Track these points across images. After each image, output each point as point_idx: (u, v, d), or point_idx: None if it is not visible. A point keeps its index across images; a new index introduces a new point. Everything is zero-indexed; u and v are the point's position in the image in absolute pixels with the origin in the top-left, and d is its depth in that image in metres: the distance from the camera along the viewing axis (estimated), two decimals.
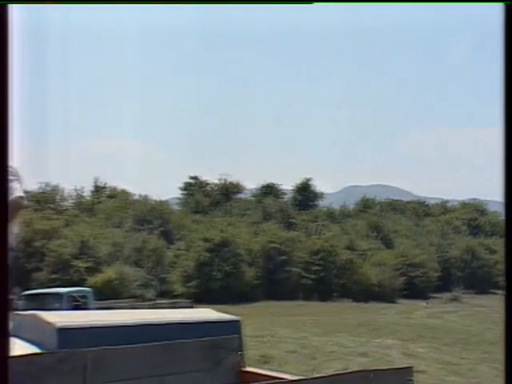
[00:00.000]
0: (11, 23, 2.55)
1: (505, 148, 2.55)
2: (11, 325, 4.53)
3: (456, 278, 61.41)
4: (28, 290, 25.57)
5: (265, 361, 17.56)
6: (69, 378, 6.75)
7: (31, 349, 7.61)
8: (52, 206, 56.02)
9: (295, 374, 9.79)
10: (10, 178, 6.48)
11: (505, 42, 2.57)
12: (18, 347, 6.66)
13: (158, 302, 34.61)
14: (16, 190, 6.92)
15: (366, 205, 79.69)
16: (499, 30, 2.67)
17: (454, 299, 49.78)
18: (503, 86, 2.57)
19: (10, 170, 6.03)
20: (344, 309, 39.98)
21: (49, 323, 8.42)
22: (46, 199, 58.63)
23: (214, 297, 37.89)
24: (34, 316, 8.45)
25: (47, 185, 61.34)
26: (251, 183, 79.28)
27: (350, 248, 55.28)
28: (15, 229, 7.05)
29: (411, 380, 4.42)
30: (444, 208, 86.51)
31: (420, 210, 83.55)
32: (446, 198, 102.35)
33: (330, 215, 73.20)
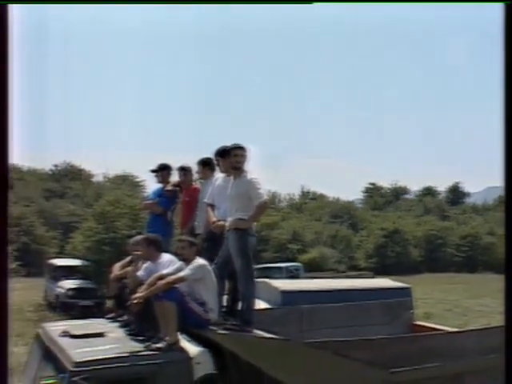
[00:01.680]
0: (11, 23, 2.86)
1: (505, 148, 2.97)
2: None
3: None
4: (259, 264, 30.02)
5: (428, 317, 20.93)
6: (289, 325, 9.75)
7: (264, 305, 10.07)
8: (272, 206, 63.35)
9: (452, 327, 12.46)
10: (257, 186, 8.44)
11: (505, 42, 2.84)
12: (257, 304, 8.75)
13: (348, 273, 40.60)
14: (263, 196, 8.59)
15: (502, 200, 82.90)
16: (499, 30, 3.07)
17: None
18: (503, 86, 2.89)
19: (256, 179, 8.48)
20: (487, 279, 44.81)
21: (275, 288, 10.96)
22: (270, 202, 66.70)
23: (388, 270, 43.40)
24: (265, 283, 10.86)
25: (269, 191, 68.92)
26: (414, 186, 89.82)
27: (491, 233, 66.58)
28: (254, 224, 8.81)
29: None
30: None
31: None
32: None
33: (475, 209, 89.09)
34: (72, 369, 7.33)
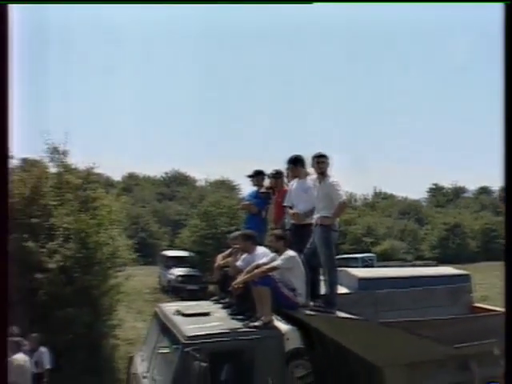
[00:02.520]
0: (11, 23, 2.60)
1: (505, 148, 2.76)
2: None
3: None
4: (339, 255, 30.52)
5: (484, 299, 19.88)
6: (366, 308, 9.75)
7: (344, 290, 9.96)
8: (350, 205, 63.25)
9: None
10: (338, 188, 8.67)
11: (505, 42, 2.57)
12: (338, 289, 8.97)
13: (414, 263, 40.09)
14: (342, 196, 8.82)
15: None
16: (499, 30, 2.78)
17: None
18: (503, 86, 2.61)
19: (336, 182, 8.86)
20: None
21: (353, 275, 10.85)
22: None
23: (449, 259, 42.37)
24: (345, 271, 10.65)
25: (347, 192, 69.43)
26: (472, 186, 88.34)
27: None
28: (337, 221, 8.97)
29: None
30: None
31: None
32: None
33: None
34: (184, 341, 7.74)
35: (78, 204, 16.87)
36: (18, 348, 11.96)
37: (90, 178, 18.03)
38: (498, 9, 2.86)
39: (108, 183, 26.68)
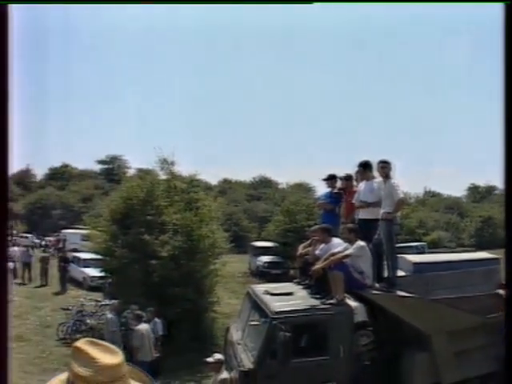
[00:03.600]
0: (11, 23, 2.32)
1: (505, 148, 2.43)
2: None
3: None
4: (398, 244, 30.78)
5: None
6: (419, 287, 9.66)
7: (402, 273, 10.01)
8: (406, 202, 62.58)
9: None
10: (397, 188, 8.80)
11: (505, 42, 2.25)
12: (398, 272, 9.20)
13: (456, 249, 38.77)
14: (400, 195, 8.94)
15: None
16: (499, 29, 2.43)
17: None
18: (503, 86, 2.28)
19: (396, 183, 8.94)
20: None
21: (409, 261, 11.15)
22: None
23: (484, 246, 40.31)
24: (402, 257, 10.69)
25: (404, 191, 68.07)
26: (501, 184, 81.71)
27: None
28: (397, 216, 9.14)
29: None
30: None
31: None
32: None
33: None
34: (272, 316, 8.09)
35: (184, 204, 17.30)
36: (140, 319, 12.51)
37: (193, 183, 18.52)
38: (498, 9, 2.59)
39: (206, 187, 27.12)
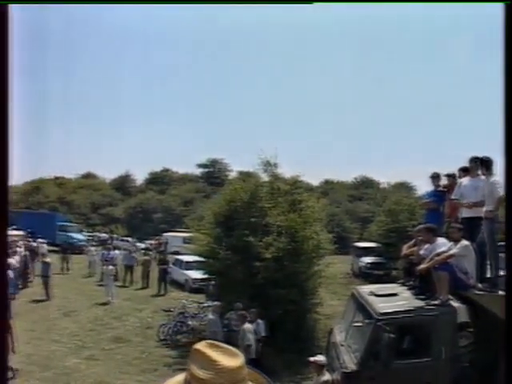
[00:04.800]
0: (11, 23, 2.29)
1: (505, 147, 2.44)
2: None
3: None
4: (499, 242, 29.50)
5: None
6: None
7: (503, 272, 8.76)
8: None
9: None
10: (497, 186, 8.33)
11: (505, 42, 2.25)
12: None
13: None
14: (500, 192, 8.25)
15: None
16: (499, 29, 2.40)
17: None
18: (503, 86, 2.28)
19: (496, 181, 8.47)
20: None
21: None
22: None
23: None
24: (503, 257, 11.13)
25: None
26: None
27: None
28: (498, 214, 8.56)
29: None
30: None
31: None
32: None
33: None
34: (377, 317, 8.20)
35: (288, 206, 17.43)
36: (245, 319, 12.86)
37: (296, 185, 18.50)
38: (498, 9, 2.56)
39: (308, 188, 27.22)
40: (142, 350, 16.19)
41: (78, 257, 32.76)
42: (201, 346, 1.94)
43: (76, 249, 34.94)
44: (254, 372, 2.03)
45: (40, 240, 32.34)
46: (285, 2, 7.16)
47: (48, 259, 23.42)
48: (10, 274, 18.82)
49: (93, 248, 32.07)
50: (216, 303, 15.13)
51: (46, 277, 22.25)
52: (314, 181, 62.41)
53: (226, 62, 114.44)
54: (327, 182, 71.18)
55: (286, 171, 19.34)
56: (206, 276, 19.62)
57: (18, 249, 25.49)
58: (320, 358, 8.51)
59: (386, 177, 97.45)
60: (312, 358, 8.48)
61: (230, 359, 1.88)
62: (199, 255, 19.26)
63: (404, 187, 61.57)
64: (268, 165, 18.24)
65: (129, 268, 26.68)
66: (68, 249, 31.87)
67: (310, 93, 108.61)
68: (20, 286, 23.27)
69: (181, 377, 1.96)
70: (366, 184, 72.46)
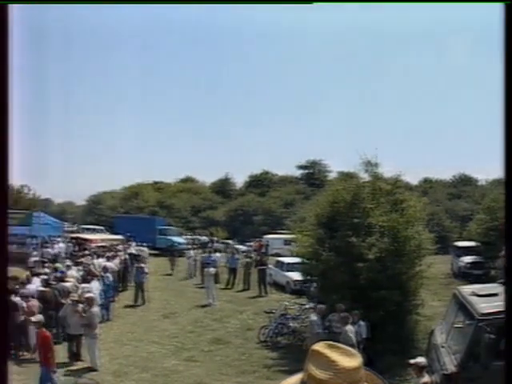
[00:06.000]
0: (11, 23, 2.26)
1: (505, 147, 2.38)
2: None
3: None
4: None
5: None
6: None
7: None
8: None
9: None
10: None
11: (505, 42, 2.22)
12: None
13: None
14: None
15: None
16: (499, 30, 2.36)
17: None
18: (503, 86, 2.27)
19: None
20: None
21: None
22: None
23: None
24: None
25: None
26: None
27: None
28: None
29: None
30: None
31: None
32: None
33: None
34: (478, 317, 8.33)
35: (390, 206, 17.41)
36: (347, 321, 13.26)
37: (397, 184, 18.44)
38: (498, 9, 2.53)
39: (408, 187, 27.12)
40: (241, 351, 16.46)
41: (178, 259, 33.72)
42: (319, 346, 1.96)
43: (177, 252, 35.75)
44: (370, 373, 2.02)
45: (140, 244, 33.73)
46: (285, 2, 7.17)
47: (142, 264, 23.76)
48: (109, 277, 19.99)
49: (192, 251, 32.68)
50: (320, 305, 15.36)
51: (139, 282, 22.75)
52: (413, 180, 61.62)
53: (321, 61, 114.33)
54: (426, 181, 69.80)
55: (386, 171, 19.23)
56: (307, 278, 19.75)
57: (118, 253, 26.82)
58: (420, 359, 8.48)
59: (483, 173, 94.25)
60: (412, 360, 8.49)
61: (349, 360, 1.90)
62: (301, 257, 19.39)
63: (502, 183, 59.45)
64: (369, 165, 18.19)
65: (232, 270, 27.10)
66: (172, 251, 33.43)
67: (408, 89, 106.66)
68: (120, 289, 24.09)
69: (296, 378, 2.00)
70: (464, 181, 70.36)
